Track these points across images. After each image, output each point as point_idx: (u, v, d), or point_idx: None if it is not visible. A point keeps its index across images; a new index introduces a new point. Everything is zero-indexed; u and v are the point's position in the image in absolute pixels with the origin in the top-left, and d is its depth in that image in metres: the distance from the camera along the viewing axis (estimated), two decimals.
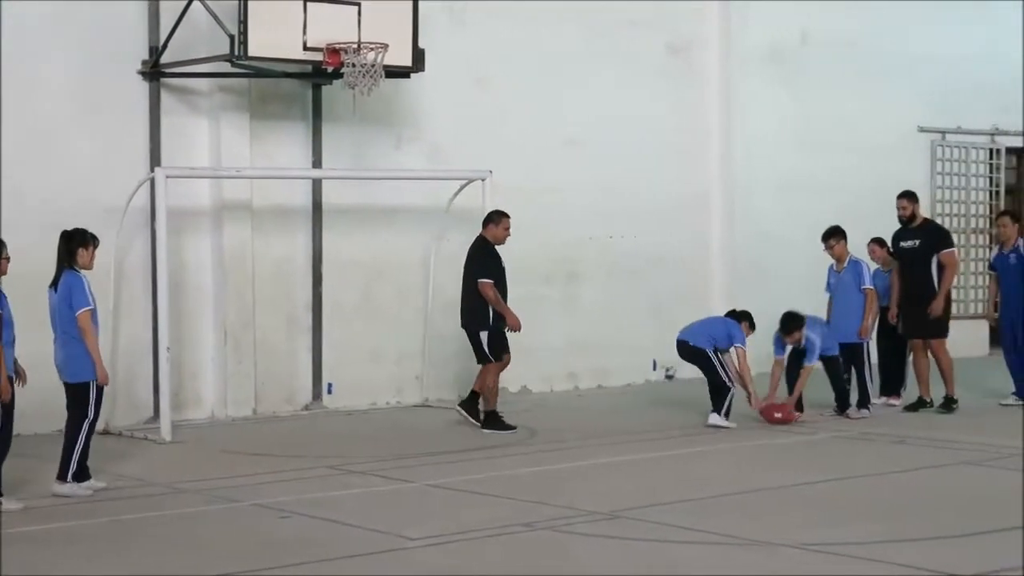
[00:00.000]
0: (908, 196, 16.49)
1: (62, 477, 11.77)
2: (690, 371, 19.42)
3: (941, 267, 16.19)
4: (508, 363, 15.37)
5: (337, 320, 16.96)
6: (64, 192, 15.01)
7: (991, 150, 22.67)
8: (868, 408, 15.90)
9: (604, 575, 9.23)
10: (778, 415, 15.36)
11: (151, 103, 15.72)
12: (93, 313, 11.79)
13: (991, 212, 22.44)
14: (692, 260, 19.85)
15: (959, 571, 9.00)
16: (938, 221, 19.97)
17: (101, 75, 15.43)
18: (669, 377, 19.59)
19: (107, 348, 14.58)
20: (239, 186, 16.08)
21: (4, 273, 11.56)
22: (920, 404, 16.30)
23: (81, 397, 11.82)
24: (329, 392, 16.94)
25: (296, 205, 16.73)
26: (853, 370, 16.04)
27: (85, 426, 11.79)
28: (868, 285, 15.92)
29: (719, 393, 15.32)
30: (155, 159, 15.60)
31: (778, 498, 11.66)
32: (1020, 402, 16.42)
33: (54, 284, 11.90)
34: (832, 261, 16.23)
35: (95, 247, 12.16)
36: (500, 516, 10.87)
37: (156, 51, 15.53)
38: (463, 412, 15.32)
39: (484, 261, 15.18)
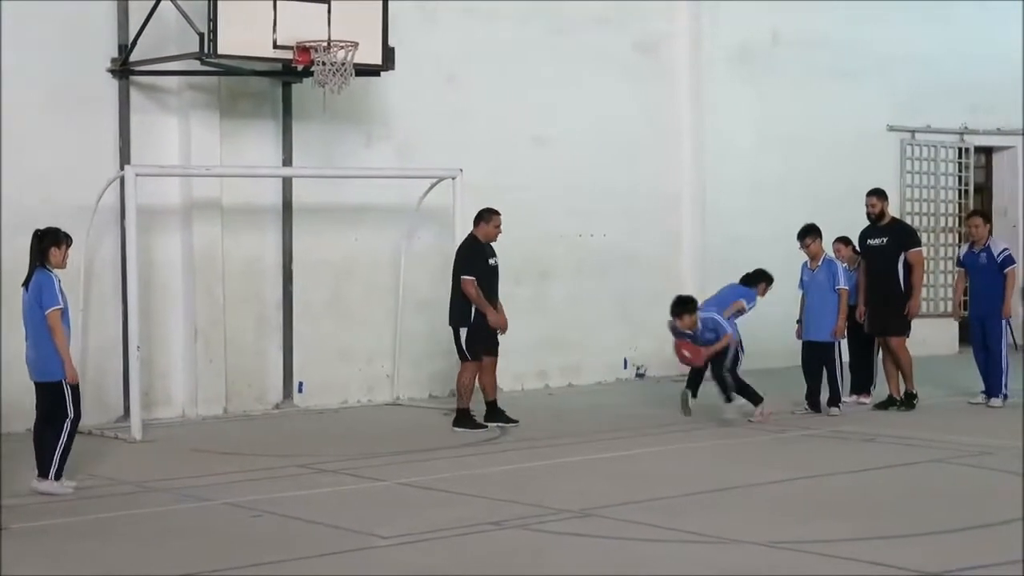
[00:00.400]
0: (877, 194, 16.53)
1: (43, 475, 11.73)
2: (661, 369, 19.58)
3: (908, 266, 16.21)
4: (493, 364, 15.36)
5: (307, 319, 16.94)
6: (33, 190, 14.96)
7: (960, 149, 22.74)
8: (839, 406, 15.93)
9: (575, 572, 9.24)
10: (687, 353, 15.27)
11: (120, 101, 15.67)
12: (63, 312, 11.74)
13: (960, 211, 22.52)
14: (663, 258, 19.88)
15: (927, 569, 9.04)
16: (907, 220, 20.06)
17: (70, 73, 15.38)
18: (640, 375, 19.62)
19: (77, 347, 14.51)
20: (209, 184, 16.05)
21: (63, 266, 12.05)
22: (890, 402, 16.33)
23: (55, 396, 11.78)
24: (300, 391, 16.92)
25: (266, 203, 16.70)
26: (824, 369, 16.03)
27: (67, 425, 11.74)
28: (842, 285, 15.90)
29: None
30: (125, 157, 15.56)
31: (748, 496, 11.69)
32: (987, 400, 16.48)
33: (26, 283, 11.86)
34: (806, 259, 16.22)
35: (68, 246, 12.12)
36: (471, 514, 10.88)
37: (125, 49, 15.48)
38: (494, 425, 15.30)
39: (469, 259, 15.20)
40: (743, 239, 19.59)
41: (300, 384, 16.92)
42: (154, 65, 15.55)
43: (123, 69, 15.56)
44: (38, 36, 15.16)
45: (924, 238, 21.68)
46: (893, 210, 17.86)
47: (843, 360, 16.24)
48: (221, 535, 10.37)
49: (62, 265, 12.06)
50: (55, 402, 11.77)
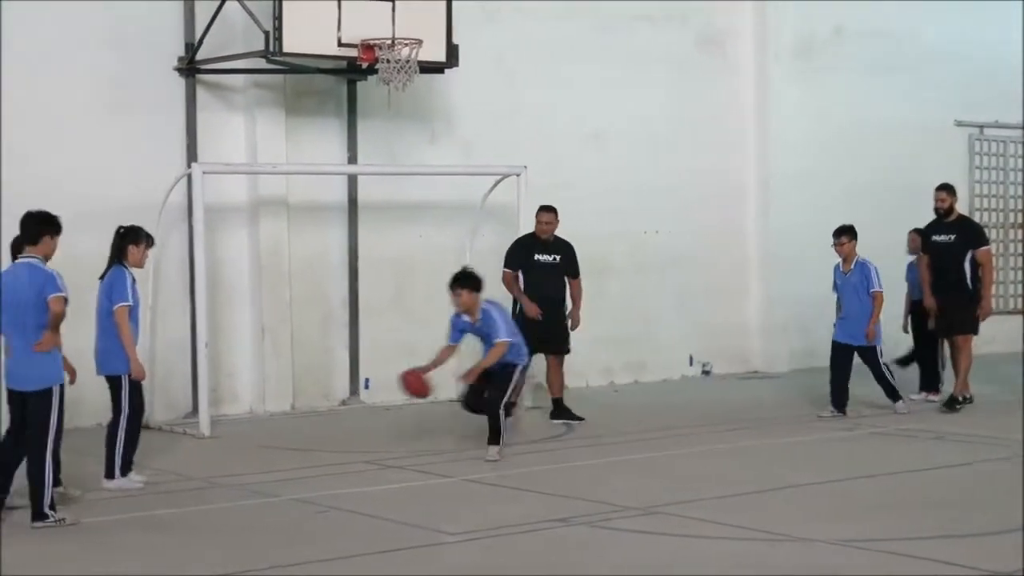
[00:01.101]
0: (947, 189, 16.22)
1: (109, 475, 11.82)
2: (726, 366, 19.52)
3: (976, 265, 15.91)
4: (555, 363, 15.46)
5: (373, 315, 16.99)
6: (101, 189, 15.08)
7: None
8: (902, 401, 15.73)
9: (641, 569, 9.22)
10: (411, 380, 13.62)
11: (187, 100, 15.78)
12: (131, 310, 11.77)
13: None
14: (726, 254, 19.81)
15: (996, 569, 8.98)
16: (975, 216, 19.89)
17: (137, 72, 15.49)
18: (706, 372, 19.57)
19: (145, 344, 14.66)
20: (275, 182, 16.13)
21: (140, 265, 11.93)
22: (956, 401, 16.03)
23: (115, 391, 11.86)
24: (366, 387, 16.98)
25: (331, 201, 16.77)
26: (871, 372, 15.73)
27: (122, 421, 11.81)
28: (876, 288, 15.53)
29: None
30: (191, 155, 15.66)
31: (814, 494, 11.64)
32: None
33: (103, 277, 11.91)
34: (838, 261, 15.88)
35: (148, 246, 12.15)
36: (536, 511, 10.89)
37: (192, 48, 15.59)
38: (561, 422, 15.34)
39: (510, 252, 15.49)
40: (806, 235, 19.47)
41: (366, 380, 16.98)
42: (220, 64, 15.64)
43: (189, 68, 15.67)
44: (106, 36, 15.28)
45: (992, 235, 21.54)
46: (961, 207, 17.68)
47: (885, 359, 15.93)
48: (287, 531, 10.42)
49: (140, 264, 12.09)
50: (115, 397, 11.85)
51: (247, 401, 16.22)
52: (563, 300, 15.57)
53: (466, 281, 13.52)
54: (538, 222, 15.46)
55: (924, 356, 16.73)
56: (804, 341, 16.60)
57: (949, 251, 15.99)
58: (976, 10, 21.37)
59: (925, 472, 12.50)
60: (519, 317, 15.11)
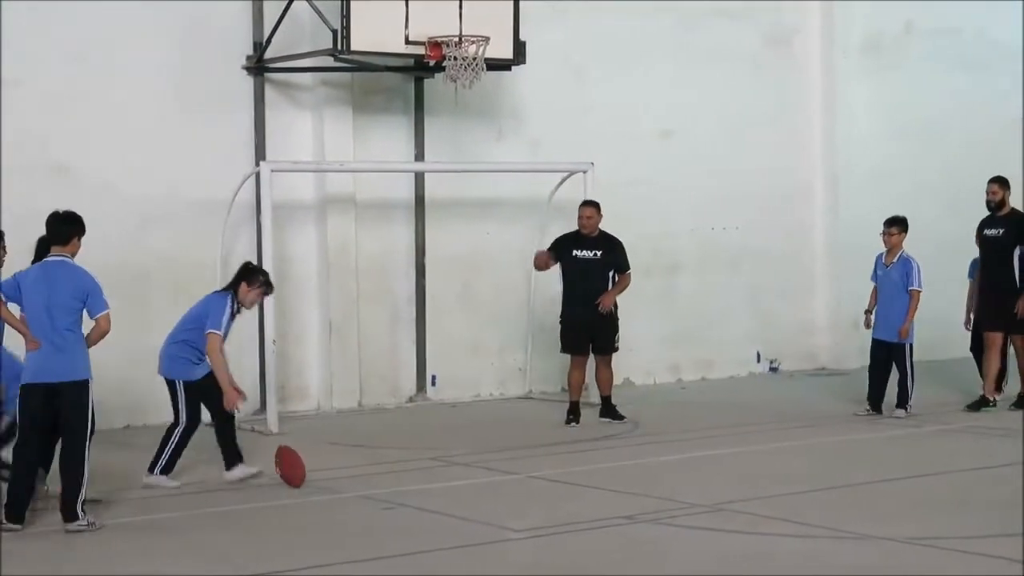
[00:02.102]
0: (999, 181, 15.90)
1: (152, 471, 11.95)
2: (793, 364, 19.45)
3: None
4: (603, 361, 15.30)
5: (439, 312, 17.04)
6: (171, 187, 15.20)
7: None
8: (906, 408, 15.30)
9: (708, 567, 9.22)
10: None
11: (255, 98, 15.88)
12: (221, 340, 11.83)
13: None
14: (794, 251, 19.73)
15: None
16: None
17: (206, 71, 15.59)
18: (774, 369, 19.50)
19: None
20: (342, 180, 16.21)
21: (248, 306, 12.15)
22: (983, 403, 15.65)
23: (173, 396, 11.97)
24: (433, 384, 17.03)
25: (398, 198, 16.83)
26: (896, 369, 15.47)
27: (177, 431, 11.93)
28: (915, 286, 15.26)
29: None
30: (260, 153, 15.76)
31: (881, 491, 11.59)
32: None
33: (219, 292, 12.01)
34: (883, 251, 15.64)
35: (264, 293, 12.31)
36: (602, 508, 10.90)
37: (260, 46, 15.68)
38: (607, 420, 15.30)
39: (555, 241, 15.49)
40: (874, 231, 19.30)
41: (433, 377, 17.03)
42: (288, 62, 15.73)
43: (258, 66, 15.77)
44: (175, 35, 15.39)
45: None
46: (1015, 199, 17.43)
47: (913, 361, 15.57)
48: (354, 527, 10.48)
49: (246, 305, 12.23)
50: (173, 402, 11.95)
51: (315, 398, 16.31)
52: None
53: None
54: (579, 216, 15.36)
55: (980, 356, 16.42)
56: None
57: (998, 245, 15.68)
58: None
59: (991, 470, 12.41)
60: (562, 311, 15.21)
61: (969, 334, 16.43)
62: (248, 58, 15.80)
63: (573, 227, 15.51)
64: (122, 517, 10.81)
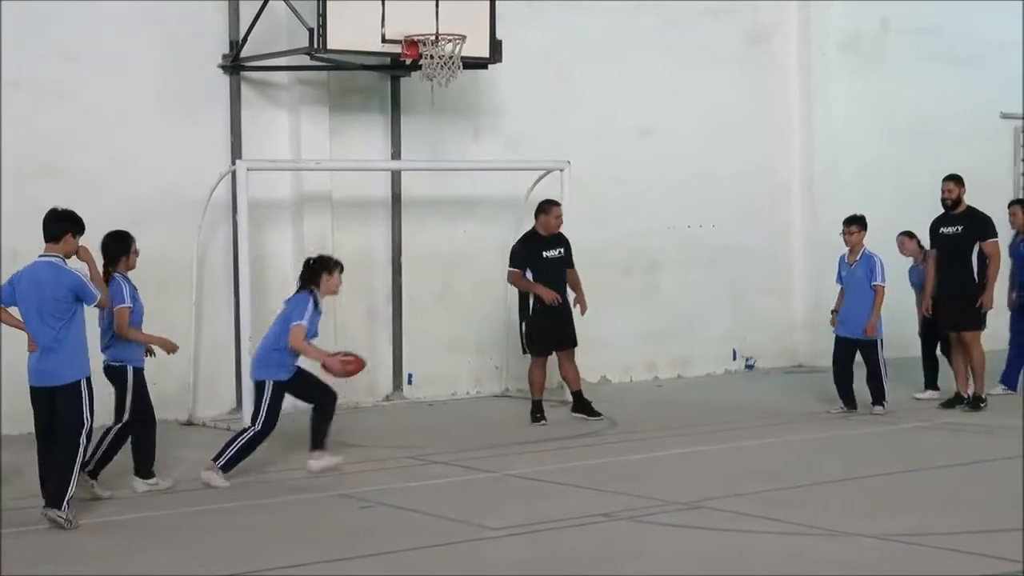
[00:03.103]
0: (955, 179, 15.79)
1: (217, 464, 12.01)
2: (770, 361, 19.49)
3: (983, 257, 15.48)
4: (567, 356, 15.24)
5: (417, 311, 17.03)
6: (147, 185, 15.18)
7: None
8: (883, 404, 15.33)
9: (685, 565, 9.22)
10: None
11: (232, 97, 15.85)
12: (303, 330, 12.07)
13: None
14: (773, 249, 19.77)
15: None
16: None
17: (182, 70, 15.56)
18: (749, 367, 19.53)
19: (189, 340, 14.78)
20: (319, 178, 16.19)
21: (133, 267, 11.76)
22: (957, 400, 15.65)
23: (257, 395, 12.42)
24: (409, 383, 17.02)
25: (375, 197, 16.81)
26: (866, 365, 15.44)
27: (248, 433, 12.23)
28: (879, 282, 15.27)
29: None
30: (236, 152, 15.74)
31: (858, 488, 11.61)
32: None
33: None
34: (845, 252, 15.64)
35: (341, 271, 12.64)
36: (580, 506, 10.90)
37: (236, 45, 15.65)
38: (579, 415, 15.33)
39: (517, 252, 15.26)
40: None
41: (409, 376, 17.02)
42: (264, 61, 15.71)
43: (234, 65, 15.74)
44: (151, 34, 15.35)
45: None
46: (1006, 199, 17.51)
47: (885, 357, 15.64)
48: (331, 526, 10.47)
49: (335, 291, 12.52)
50: (257, 401, 12.42)
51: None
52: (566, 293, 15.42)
53: None
54: (552, 216, 15.25)
55: (931, 354, 16.46)
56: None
57: (956, 243, 15.57)
58: (1020, 3, 21.21)
59: (971, 466, 12.45)
60: (534, 313, 15.08)
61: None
62: (224, 57, 15.76)
63: None
64: (105, 516, 10.80)
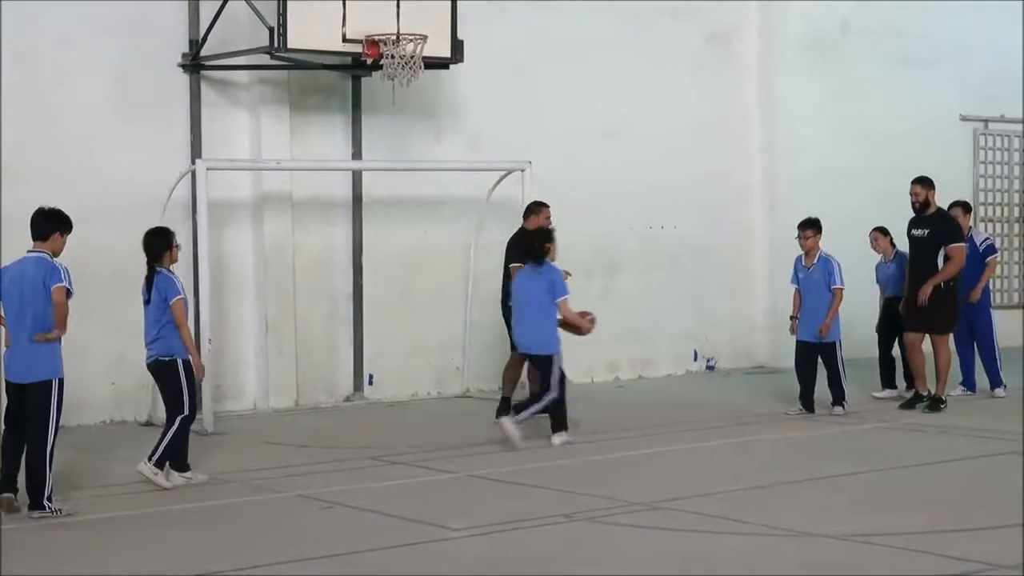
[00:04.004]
0: (922, 182, 15.79)
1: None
2: (731, 362, 19.51)
3: (947, 260, 15.49)
4: (518, 363, 15.16)
5: (377, 312, 16.99)
6: (105, 185, 15.10)
7: None
8: (843, 405, 15.38)
9: (646, 565, 9.22)
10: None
11: (191, 96, 15.77)
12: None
13: None
14: (734, 250, 19.81)
15: (1004, 562, 8.96)
16: (980, 210, 19.82)
17: (141, 69, 15.49)
18: (710, 368, 19.56)
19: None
20: (279, 178, 16.13)
21: (175, 261, 12.01)
22: (916, 400, 15.72)
23: (545, 373, 13.76)
24: (370, 383, 16.98)
25: (336, 197, 16.77)
26: (825, 368, 15.51)
27: (546, 398, 13.70)
28: (838, 284, 15.31)
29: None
30: (196, 151, 15.66)
31: (820, 488, 11.63)
32: (991, 392, 16.47)
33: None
34: (800, 254, 15.66)
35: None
36: (542, 507, 10.88)
37: (196, 44, 15.58)
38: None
39: (518, 249, 15.17)
40: None
41: (370, 377, 16.98)
42: (224, 60, 15.64)
43: (194, 64, 15.66)
44: (110, 32, 15.28)
45: (996, 228, 21.52)
46: (964, 199, 17.55)
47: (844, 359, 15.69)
48: (292, 527, 10.42)
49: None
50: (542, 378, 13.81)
51: (251, 397, 16.22)
52: None
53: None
54: (543, 217, 15.27)
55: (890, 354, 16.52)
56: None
57: (924, 246, 15.61)
58: (981, 6, 21.29)
59: (932, 466, 12.50)
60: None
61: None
62: (184, 56, 15.69)
63: (513, 225, 15.46)
64: (64, 516, 10.71)
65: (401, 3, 15.32)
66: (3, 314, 10.86)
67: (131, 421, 14.84)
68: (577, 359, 17.66)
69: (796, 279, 15.73)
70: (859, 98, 20.33)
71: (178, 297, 11.63)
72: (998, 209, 22.05)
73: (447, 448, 13.63)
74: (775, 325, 19.61)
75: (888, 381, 16.52)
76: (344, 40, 15.17)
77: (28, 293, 10.67)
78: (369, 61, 15.36)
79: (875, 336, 16.63)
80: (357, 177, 16.81)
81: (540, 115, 17.91)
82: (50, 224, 10.87)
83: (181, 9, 15.67)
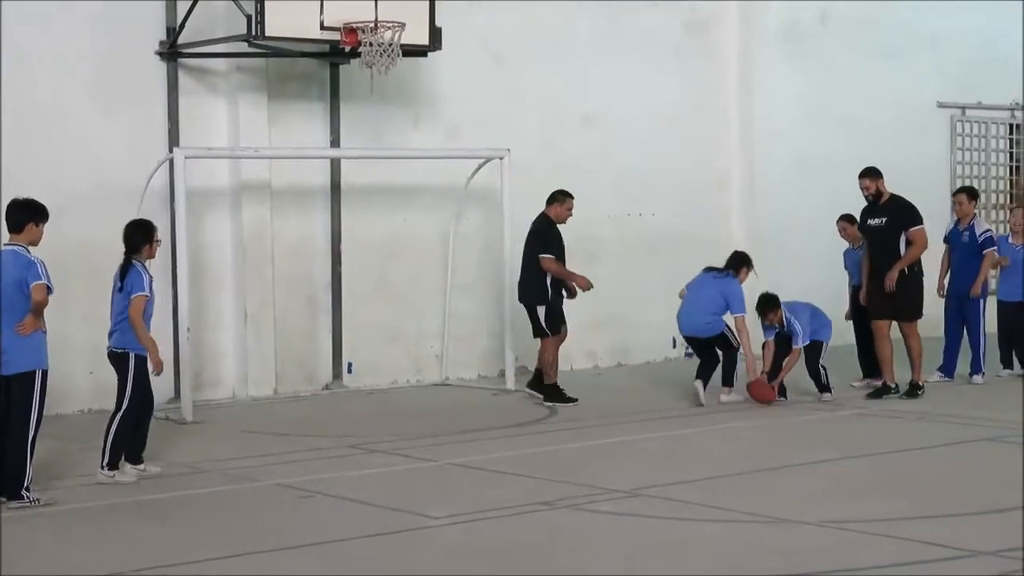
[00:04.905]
0: (869, 174, 15.81)
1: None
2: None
3: (910, 245, 15.46)
4: (565, 336, 15.67)
5: (356, 300, 16.96)
6: (82, 174, 15.05)
7: (1011, 125, 22.58)
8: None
9: (626, 552, 9.23)
10: (760, 392, 15.16)
11: (169, 84, 15.72)
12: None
13: (1012, 188, 22.39)
14: (712, 238, 19.75)
15: (982, 548, 8.99)
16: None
17: (119, 56, 15.43)
18: (689, 355, 19.54)
19: None
20: (258, 166, 16.09)
21: (153, 256, 11.91)
22: (884, 390, 15.67)
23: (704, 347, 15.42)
24: (349, 372, 16.96)
25: (314, 185, 16.73)
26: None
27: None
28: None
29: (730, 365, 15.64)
30: (173, 140, 15.61)
31: (799, 475, 11.66)
32: (969, 378, 16.53)
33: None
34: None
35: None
36: (521, 495, 10.88)
37: (174, 32, 15.53)
38: (530, 391, 15.62)
39: (547, 238, 15.46)
40: (792, 218, 19.52)
41: (349, 365, 16.96)
42: (202, 48, 15.58)
43: (171, 52, 15.61)
44: (86, 19, 15.21)
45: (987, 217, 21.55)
46: (943, 187, 17.60)
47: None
48: (271, 516, 10.40)
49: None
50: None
51: (230, 386, 16.19)
52: None
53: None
54: (567, 208, 15.62)
55: (866, 343, 16.53)
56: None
57: (882, 234, 15.58)
58: None
59: (911, 452, 12.54)
60: (553, 303, 15.39)
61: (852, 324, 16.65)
62: (161, 43, 15.64)
63: (491, 213, 15.56)
64: (40, 506, 10.69)
65: None
66: None
67: (110, 410, 14.76)
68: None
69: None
70: (837, 86, 20.33)
71: (140, 294, 11.48)
72: None
73: (426, 436, 13.62)
74: (753, 312, 19.61)
75: (869, 369, 16.49)
76: (322, 28, 15.12)
77: (6, 288, 10.61)
78: (347, 49, 15.31)
79: (845, 324, 16.63)
80: (336, 165, 16.78)
81: (518, 103, 17.89)
82: (23, 214, 10.79)
83: None
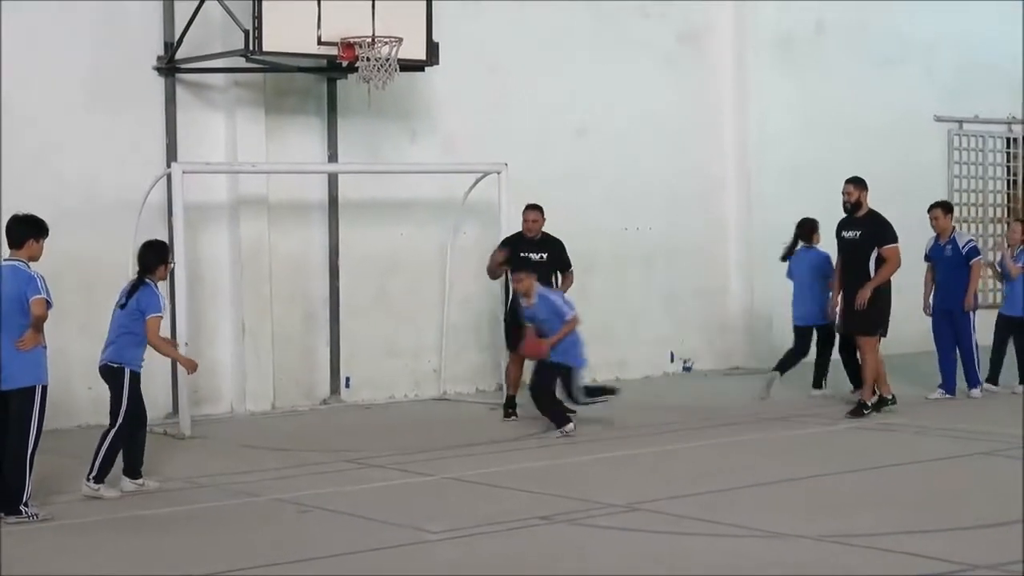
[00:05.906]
0: (855, 182, 15.64)
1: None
2: (708, 363, 19.52)
3: (881, 261, 15.24)
4: (515, 361, 15.44)
5: (354, 314, 16.97)
6: (80, 188, 15.07)
7: (1008, 139, 22.60)
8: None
9: (623, 567, 9.23)
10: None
11: (167, 99, 15.75)
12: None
13: (1009, 202, 22.41)
14: (708, 249, 19.81)
15: (978, 562, 8.99)
16: (955, 211, 19.82)
17: (117, 71, 15.45)
18: (687, 369, 19.57)
19: None
20: (255, 181, 16.11)
21: (164, 278, 11.97)
22: (882, 403, 15.46)
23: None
24: (347, 386, 16.96)
25: (312, 200, 16.75)
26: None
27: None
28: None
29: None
30: (171, 154, 15.63)
31: (795, 490, 11.65)
32: (968, 392, 16.48)
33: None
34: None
35: None
36: (519, 509, 10.88)
37: (171, 47, 15.55)
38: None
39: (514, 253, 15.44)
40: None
41: (347, 379, 16.96)
42: (200, 63, 15.62)
43: (169, 67, 15.63)
44: (84, 34, 15.24)
45: (971, 229, 21.55)
46: (939, 196, 17.57)
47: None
48: (270, 530, 10.40)
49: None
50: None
51: (228, 400, 16.19)
52: None
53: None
54: (524, 220, 15.46)
55: (848, 354, 16.48)
56: (786, 337, 16.61)
57: (855, 248, 15.38)
58: (956, 7, 21.34)
59: (908, 467, 12.53)
60: (511, 315, 15.23)
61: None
62: (159, 58, 15.67)
63: (489, 227, 15.52)
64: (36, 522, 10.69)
65: (376, 5, 15.31)
66: None
67: (104, 425, 14.76)
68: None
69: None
70: (833, 96, 20.35)
71: (156, 315, 11.54)
72: (973, 210, 22.10)
73: (424, 451, 13.62)
74: (751, 326, 19.70)
75: (857, 382, 16.41)
76: (319, 43, 15.17)
77: (5, 303, 10.63)
78: (344, 64, 15.35)
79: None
80: (333, 180, 16.79)
81: (513, 115, 17.91)
82: (24, 230, 10.85)
83: (156, 11, 15.65)
